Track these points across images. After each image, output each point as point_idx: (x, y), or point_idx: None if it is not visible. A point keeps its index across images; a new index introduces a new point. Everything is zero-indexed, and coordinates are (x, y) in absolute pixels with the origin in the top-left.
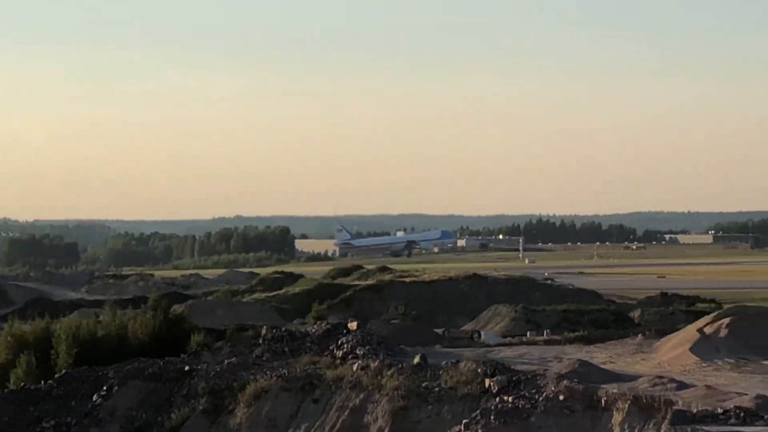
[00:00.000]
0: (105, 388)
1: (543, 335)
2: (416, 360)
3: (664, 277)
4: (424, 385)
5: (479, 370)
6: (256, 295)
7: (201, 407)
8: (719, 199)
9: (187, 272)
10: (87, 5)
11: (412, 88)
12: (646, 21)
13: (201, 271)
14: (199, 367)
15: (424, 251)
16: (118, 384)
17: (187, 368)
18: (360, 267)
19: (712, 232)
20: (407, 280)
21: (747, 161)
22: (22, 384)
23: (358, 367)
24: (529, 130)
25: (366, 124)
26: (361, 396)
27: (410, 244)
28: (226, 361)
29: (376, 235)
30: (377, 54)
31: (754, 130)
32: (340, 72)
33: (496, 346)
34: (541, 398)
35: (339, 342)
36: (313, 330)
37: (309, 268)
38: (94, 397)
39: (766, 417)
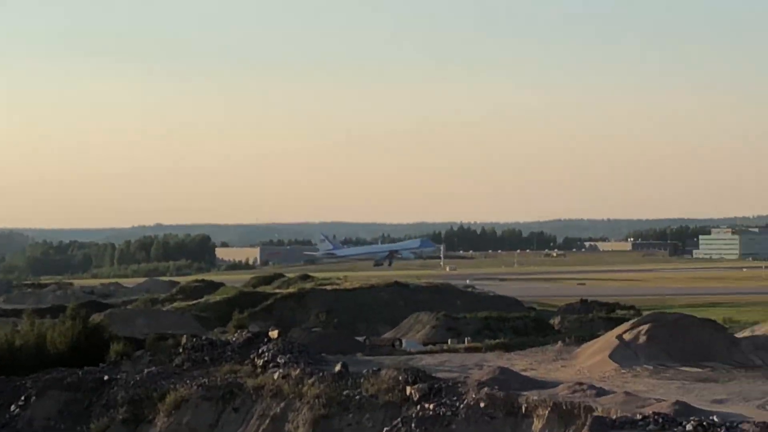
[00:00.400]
0: (23, 398)
1: (464, 343)
2: (337, 368)
3: (584, 284)
4: (345, 393)
5: (400, 378)
6: (176, 304)
7: (120, 417)
8: (638, 207)
9: (107, 281)
10: None
11: (328, 97)
12: (548, 25)
13: (120, 280)
14: (118, 376)
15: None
16: (37, 394)
17: (106, 378)
18: (281, 275)
19: (632, 239)
20: (328, 288)
21: (665, 169)
22: None
23: (279, 376)
24: (450, 138)
25: (282, 131)
26: (282, 404)
27: (392, 254)
28: (145, 371)
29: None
30: (300, 60)
31: (672, 138)
32: (264, 77)
33: (417, 353)
34: (462, 405)
35: (260, 350)
36: (234, 338)
37: (230, 277)
38: (12, 408)
39: (684, 423)
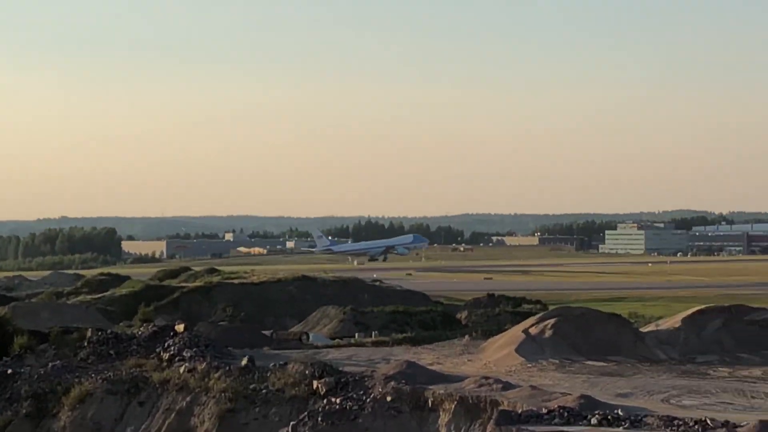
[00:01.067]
0: None
1: (371, 337)
2: (244, 362)
3: (491, 278)
4: (251, 387)
5: (307, 372)
6: (81, 297)
7: (24, 411)
8: (545, 202)
9: (11, 274)
10: None
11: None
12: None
13: (25, 273)
14: (22, 370)
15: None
16: None
17: (9, 371)
18: (188, 269)
19: (538, 234)
20: (235, 281)
21: (572, 164)
22: None
23: (185, 370)
24: (355, 133)
25: (188, 125)
26: (188, 398)
27: (387, 250)
28: (50, 364)
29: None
30: (193, 55)
31: (576, 133)
32: (163, 73)
33: (324, 347)
34: (368, 399)
35: (166, 344)
36: (140, 332)
37: (136, 270)
38: None
39: (589, 417)
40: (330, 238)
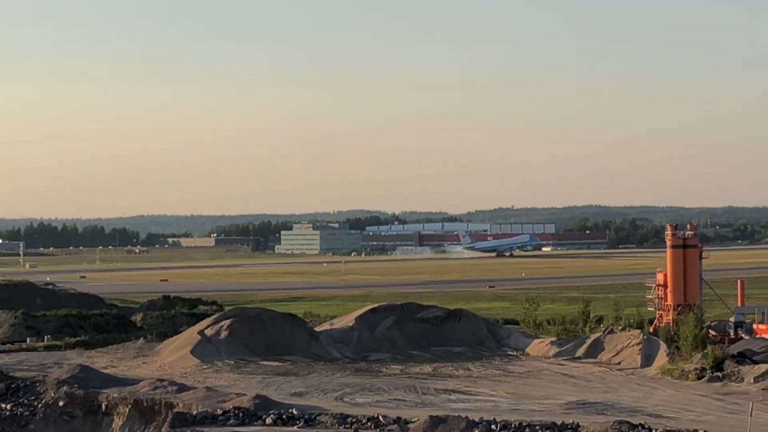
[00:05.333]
0: None
1: (43, 341)
2: None
3: (167, 280)
4: None
5: None
6: None
7: None
8: (220, 203)
9: None
10: None
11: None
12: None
13: None
14: None
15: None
16: None
17: None
18: None
19: (215, 235)
20: None
21: (243, 166)
22: None
23: None
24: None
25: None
26: None
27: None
28: None
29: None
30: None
31: (247, 137)
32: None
33: None
34: (40, 405)
35: None
36: None
37: None
38: None
39: (264, 416)
40: None
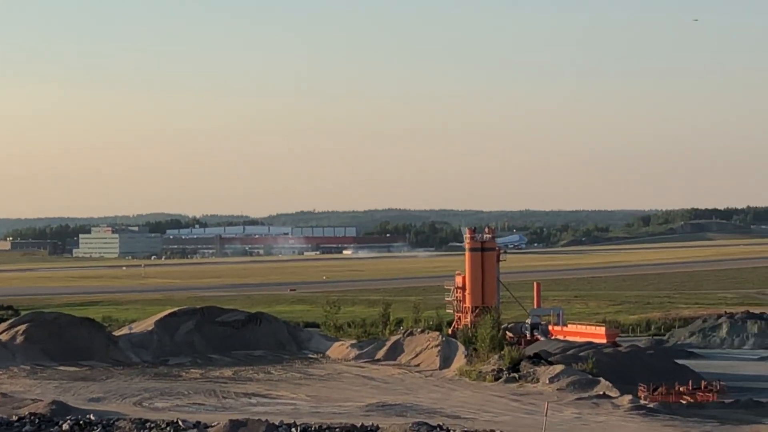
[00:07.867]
0: None
1: None
2: None
3: None
4: None
5: None
6: None
7: None
8: (17, 206)
9: None
10: None
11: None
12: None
13: None
14: None
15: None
16: None
17: None
18: None
19: (11, 238)
20: None
21: (51, 169)
22: None
23: None
24: None
25: None
26: None
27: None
28: None
29: None
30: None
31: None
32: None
33: None
34: None
35: None
36: None
37: None
38: None
39: (60, 422)
40: None
